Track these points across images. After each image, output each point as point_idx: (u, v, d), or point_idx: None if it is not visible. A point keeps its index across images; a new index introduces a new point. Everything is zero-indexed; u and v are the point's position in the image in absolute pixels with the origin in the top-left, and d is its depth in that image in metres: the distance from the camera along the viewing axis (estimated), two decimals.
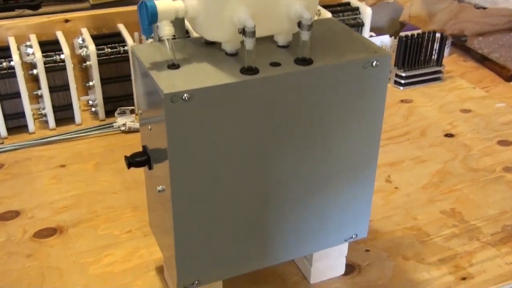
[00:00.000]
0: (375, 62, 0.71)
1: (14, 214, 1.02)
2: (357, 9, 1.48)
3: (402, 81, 1.47)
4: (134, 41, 1.29)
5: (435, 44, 1.47)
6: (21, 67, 1.20)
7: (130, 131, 1.27)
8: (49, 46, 1.25)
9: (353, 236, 0.85)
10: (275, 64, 0.69)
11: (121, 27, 1.32)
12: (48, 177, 1.12)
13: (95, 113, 1.33)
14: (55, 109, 1.27)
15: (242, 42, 0.67)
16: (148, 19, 0.65)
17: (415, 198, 1.07)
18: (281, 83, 0.67)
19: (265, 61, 0.69)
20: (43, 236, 0.97)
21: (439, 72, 1.50)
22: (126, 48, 1.29)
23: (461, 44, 1.70)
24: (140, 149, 0.78)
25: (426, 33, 1.45)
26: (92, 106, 1.33)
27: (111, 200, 1.06)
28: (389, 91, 1.45)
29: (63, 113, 1.29)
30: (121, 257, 0.93)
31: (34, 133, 1.26)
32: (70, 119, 1.30)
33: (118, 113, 1.30)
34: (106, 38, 1.30)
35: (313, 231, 0.81)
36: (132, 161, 0.76)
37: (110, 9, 1.36)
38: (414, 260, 0.93)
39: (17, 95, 1.23)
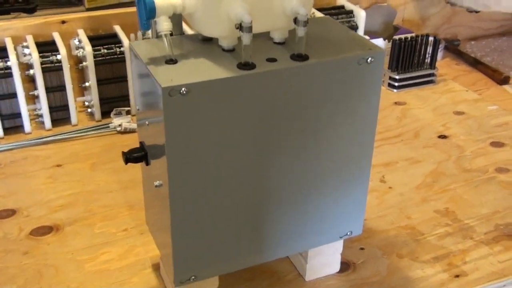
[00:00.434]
0: (369, 58, 0.72)
1: (10, 213, 1.02)
2: (351, 12, 1.49)
3: (396, 84, 1.48)
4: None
5: (428, 47, 1.48)
6: (18, 68, 1.21)
7: (126, 131, 1.27)
8: (46, 47, 1.26)
9: (348, 233, 0.86)
10: (271, 60, 0.70)
11: (117, 29, 1.33)
12: (44, 177, 1.13)
13: (91, 114, 1.33)
14: (51, 109, 1.28)
15: (239, 38, 0.68)
16: (146, 14, 0.66)
17: (409, 198, 1.08)
18: (277, 78, 0.68)
19: (262, 57, 0.70)
20: (39, 234, 0.97)
21: (433, 75, 1.51)
22: (122, 49, 1.29)
23: (454, 48, 1.71)
24: None
25: (420, 36, 1.47)
26: (88, 107, 1.33)
27: (107, 199, 1.06)
28: (383, 94, 1.46)
29: (59, 114, 1.30)
30: (117, 254, 0.93)
31: (30, 133, 1.27)
32: (66, 120, 1.30)
33: (114, 114, 1.30)
34: (103, 39, 1.31)
35: (308, 228, 0.82)
36: (130, 157, 0.76)
37: (106, 11, 1.37)
38: (408, 258, 0.94)
39: (14, 95, 1.23)
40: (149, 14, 0.66)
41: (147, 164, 0.77)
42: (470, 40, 1.79)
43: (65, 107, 1.29)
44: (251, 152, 0.72)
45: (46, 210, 1.03)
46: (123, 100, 1.34)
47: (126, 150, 0.77)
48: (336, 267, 0.90)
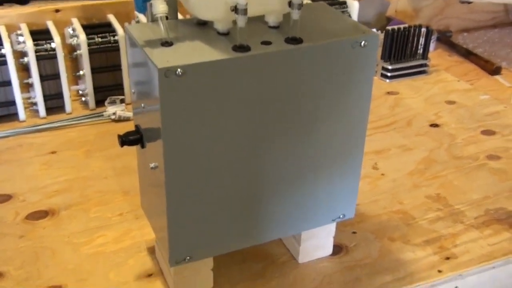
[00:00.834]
0: (363, 42, 0.73)
1: (6, 198, 1.03)
2: (344, 3, 1.50)
3: (389, 74, 1.50)
4: (124, 32, 1.31)
5: (421, 38, 1.49)
6: (12, 56, 1.21)
7: (120, 119, 1.28)
8: (40, 35, 1.26)
9: (341, 216, 0.87)
10: (266, 43, 0.71)
11: (111, 18, 1.34)
12: (40, 163, 1.13)
13: (85, 103, 1.34)
14: (46, 98, 1.28)
15: (234, 22, 0.69)
16: None
17: (401, 184, 1.10)
18: (271, 60, 0.69)
19: (257, 40, 0.71)
20: (35, 218, 0.98)
21: (425, 65, 1.53)
22: (116, 38, 1.30)
23: (446, 40, 1.73)
24: None
25: (412, 27, 1.48)
26: (82, 95, 1.34)
27: (102, 185, 1.07)
28: (376, 84, 1.48)
29: (54, 102, 1.30)
30: (113, 238, 0.94)
31: (24, 121, 1.27)
32: (60, 108, 1.31)
33: (108, 102, 1.31)
34: (97, 28, 1.32)
35: (301, 210, 0.83)
36: (125, 139, 0.77)
37: (100, 0, 1.37)
38: (400, 241, 0.95)
39: (8, 83, 1.24)
40: None
41: (143, 146, 0.78)
42: (462, 31, 1.80)
43: (60, 96, 1.29)
44: (246, 134, 0.73)
45: (41, 195, 1.04)
46: (117, 88, 1.34)
47: None
48: (329, 250, 0.92)
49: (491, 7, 1.82)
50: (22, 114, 1.27)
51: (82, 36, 1.26)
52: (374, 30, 1.56)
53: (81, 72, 1.31)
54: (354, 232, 0.97)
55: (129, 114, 1.27)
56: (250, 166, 0.76)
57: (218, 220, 0.78)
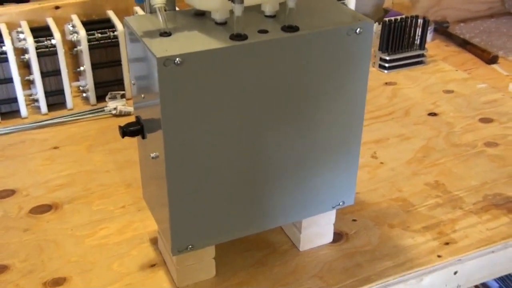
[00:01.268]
0: (358, 29, 0.74)
1: (10, 193, 1.04)
2: None
3: (386, 65, 1.50)
4: (123, 26, 1.32)
5: (418, 28, 1.50)
6: (13, 53, 1.22)
7: (121, 114, 1.29)
8: (40, 32, 1.28)
9: (340, 203, 0.88)
10: (263, 32, 0.72)
11: (111, 13, 1.35)
12: (42, 158, 1.15)
13: (86, 98, 1.35)
14: (47, 94, 1.29)
15: (231, 11, 0.71)
16: None
17: (400, 172, 1.11)
18: (268, 49, 0.71)
19: (253, 29, 0.72)
20: (38, 212, 1.00)
21: (422, 55, 1.54)
22: (116, 33, 1.31)
23: (443, 30, 1.74)
24: None
25: (409, 18, 1.49)
26: (83, 91, 1.35)
27: (104, 179, 1.08)
28: (374, 74, 1.49)
29: (55, 98, 1.31)
30: (116, 230, 0.95)
31: (26, 118, 1.29)
32: (61, 104, 1.32)
33: (109, 98, 1.32)
34: (96, 24, 1.33)
35: (302, 198, 0.84)
36: (126, 130, 0.79)
37: None
38: (399, 228, 0.96)
39: (10, 80, 1.25)
40: None
41: (143, 137, 0.79)
42: (459, 22, 1.81)
43: (61, 92, 1.30)
44: (244, 122, 0.74)
45: (45, 190, 1.05)
46: (118, 84, 1.35)
47: None
48: (329, 237, 0.93)
49: None
50: (24, 110, 1.28)
51: (82, 32, 1.27)
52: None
53: (81, 68, 1.32)
54: (354, 220, 0.98)
55: (130, 108, 1.28)
56: (249, 154, 0.77)
57: (219, 208, 0.79)
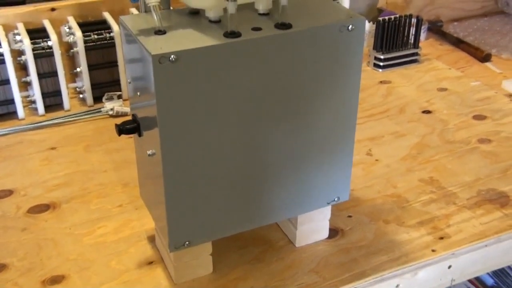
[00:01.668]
0: (350, 26, 0.75)
1: (7, 193, 1.05)
2: None
3: (381, 64, 1.52)
4: (119, 26, 1.33)
5: (412, 27, 1.52)
6: (10, 55, 1.23)
7: (118, 115, 1.30)
8: (37, 34, 1.28)
9: (336, 199, 0.89)
10: (256, 29, 0.73)
11: (107, 15, 1.36)
12: (40, 159, 1.15)
13: (83, 100, 1.36)
14: (44, 95, 1.30)
15: (225, 9, 0.72)
16: None
17: (395, 169, 1.12)
18: (262, 46, 0.72)
19: (247, 27, 0.73)
20: (36, 211, 1.00)
21: (416, 54, 1.55)
22: (112, 34, 1.32)
23: (437, 29, 1.75)
24: None
25: (403, 17, 1.50)
26: (80, 92, 1.36)
27: (102, 178, 1.09)
28: (368, 73, 1.50)
29: (52, 100, 1.32)
30: (113, 228, 0.96)
31: (23, 119, 1.29)
32: (58, 106, 1.33)
33: (106, 99, 1.33)
34: (92, 26, 1.34)
35: (297, 194, 0.85)
36: (123, 128, 0.79)
37: None
38: (394, 223, 0.97)
39: (7, 82, 1.26)
40: None
41: (140, 135, 0.80)
42: (452, 21, 1.82)
43: (58, 93, 1.31)
44: (239, 119, 0.75)
45: (42, 190, 1.06)
46: (114, 85, 1.36)
47: None
48: (325, 233, 0.94)
49: None
50: (21, 112, 1.29)
51: (78, 33, 1.28)
52: (366, 21, 1.58)
53: (78, 69, 1.33)
54: (349, 216, 0.99)
55: (127, 109, 1.29)
56: (245, 150, 0.78)
57: (215, 205, 0.80)
